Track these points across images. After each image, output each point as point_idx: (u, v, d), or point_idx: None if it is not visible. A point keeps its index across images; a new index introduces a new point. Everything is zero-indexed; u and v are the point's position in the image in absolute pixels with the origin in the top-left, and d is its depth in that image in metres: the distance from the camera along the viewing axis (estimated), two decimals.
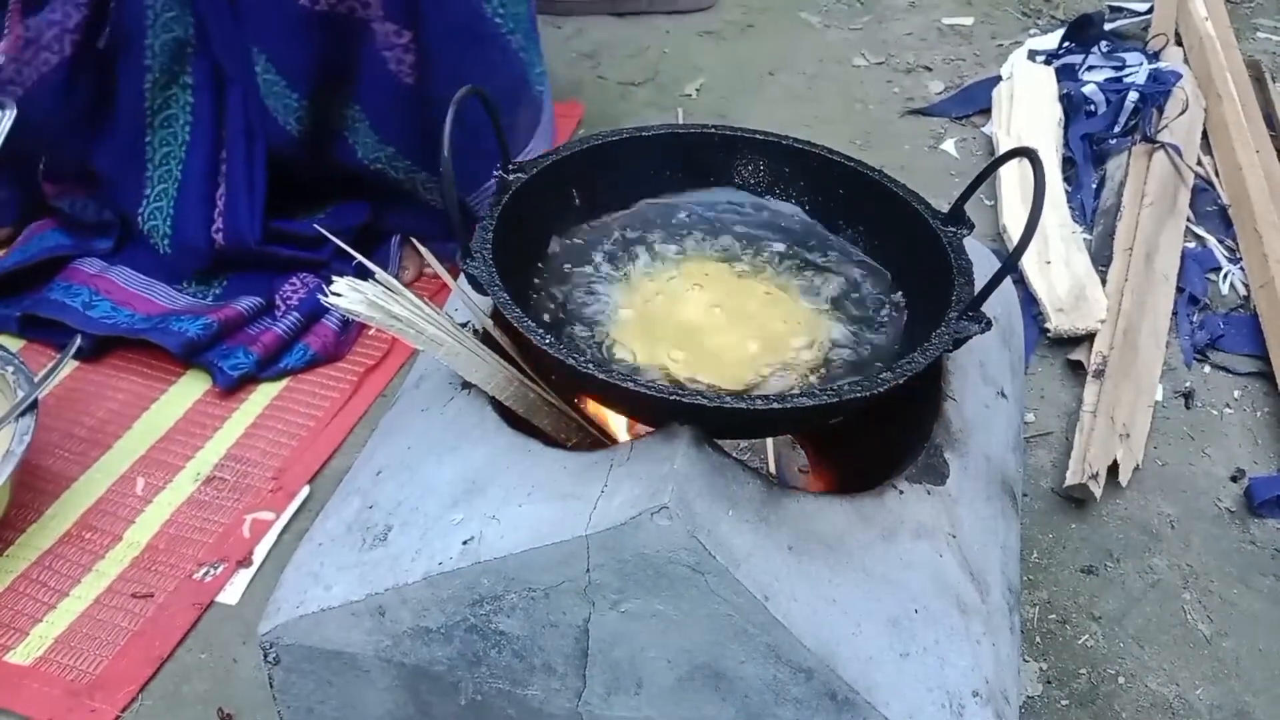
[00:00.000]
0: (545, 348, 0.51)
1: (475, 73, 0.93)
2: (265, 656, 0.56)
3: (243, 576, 0.80)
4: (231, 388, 0.95)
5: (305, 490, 0.87)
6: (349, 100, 1.00)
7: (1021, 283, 1.14)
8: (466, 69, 0.93)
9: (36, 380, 0.82)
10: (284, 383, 0.97)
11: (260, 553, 0.82)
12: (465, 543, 0.51)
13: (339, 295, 0.55)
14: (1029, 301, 1.12)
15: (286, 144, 1.02)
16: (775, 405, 0.49)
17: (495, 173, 0.61)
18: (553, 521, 0.50)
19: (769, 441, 0.70)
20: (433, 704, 0.55)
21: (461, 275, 0.58)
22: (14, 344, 0.98)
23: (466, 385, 0.59)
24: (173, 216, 1.01)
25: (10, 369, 0.83)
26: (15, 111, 0.92)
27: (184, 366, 0.98)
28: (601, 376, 0.49)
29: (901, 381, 0.51)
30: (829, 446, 0.65)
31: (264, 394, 0.96)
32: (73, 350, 0.86)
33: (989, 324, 0.54)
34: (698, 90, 1.50)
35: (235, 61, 0.97)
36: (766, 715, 0.50)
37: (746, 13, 1.74)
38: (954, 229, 0.60)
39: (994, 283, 0.53)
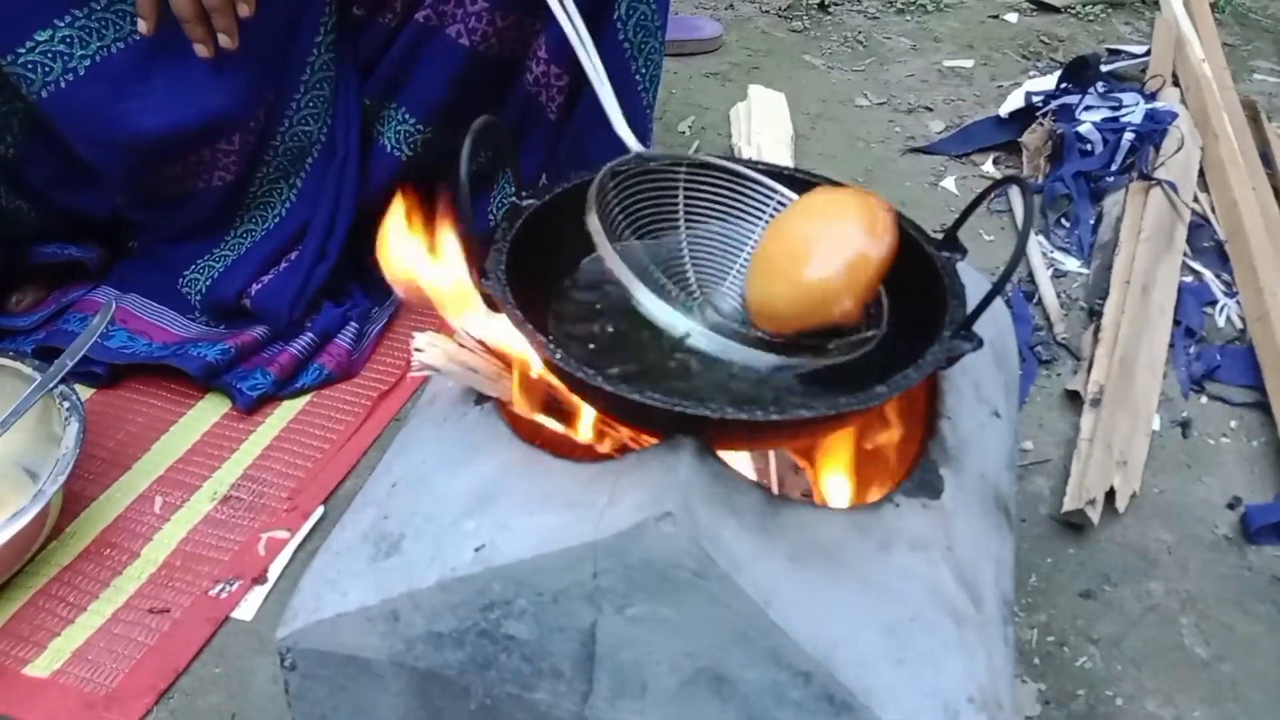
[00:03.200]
0: (555, 360, 0.53)
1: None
2: (282, 662, 0.58)
3: (258, 593, 0.82)
4: (251, 408, 0.98)
5: (320, 510, 0.89)
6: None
7: (1028, 319, 1.16)
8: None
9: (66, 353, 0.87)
10: (300, 406, 1.00)
11: (275, 570, 0.84)
12: (477, 549, 0.53)
13: (420, 351, 0.59)
14: (1029, 330, 1.15)
15: (391, 171, 1.05)
16: (775, 416, 0.51)
17: (510, 199, 0.64)
18: (561, 528, 0.52)
19: (770, 457, 0.72)
20: (443, 708, 0.57)
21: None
22: None
23: (480, 400, 0.62)
24: (213, 280, 1.04)
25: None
26: None
27: (201, 391, 1.00)
28: (608, 388, 0.52)
29: (896, 395, 0.53)
30: (827, 462, 0.67)
31: (280, 417, 0.98)
32: (110, 311, 0.91)
33: (980, 343, 0.56)
34: (689, 127, 1.54)
35: (351, 131, 1.01)
36: (767, 718, 0.52)
37: (752, 55, 1.79)
38: (947, 254, 0.63)
39: (985, 302, 0.55)
